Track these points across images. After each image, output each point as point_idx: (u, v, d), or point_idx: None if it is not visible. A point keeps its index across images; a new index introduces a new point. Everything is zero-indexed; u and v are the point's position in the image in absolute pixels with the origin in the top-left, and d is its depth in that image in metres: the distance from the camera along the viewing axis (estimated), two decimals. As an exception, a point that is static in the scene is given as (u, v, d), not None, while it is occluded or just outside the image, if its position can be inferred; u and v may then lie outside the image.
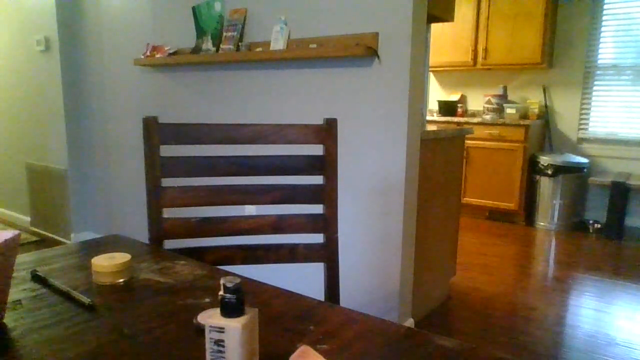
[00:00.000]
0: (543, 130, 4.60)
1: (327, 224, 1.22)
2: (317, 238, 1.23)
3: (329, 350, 0.64)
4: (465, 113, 5.03)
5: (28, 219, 3.90)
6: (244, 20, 2.41)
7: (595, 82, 4.40)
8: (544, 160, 4.17)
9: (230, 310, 0.55)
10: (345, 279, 2.21)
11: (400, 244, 2.02)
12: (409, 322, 2.20)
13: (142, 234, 3.13)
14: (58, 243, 3.55)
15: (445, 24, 4.64)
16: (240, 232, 1.21)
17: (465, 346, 0.65)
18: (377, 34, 1.97)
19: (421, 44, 1.97)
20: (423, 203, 2.25)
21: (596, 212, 4.42)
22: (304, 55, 2.09)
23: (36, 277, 0.87)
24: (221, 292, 0.55)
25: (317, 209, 1.22)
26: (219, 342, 0.55)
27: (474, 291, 2.77)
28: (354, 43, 2.02)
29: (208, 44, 2.51)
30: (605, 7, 4.28)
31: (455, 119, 4.65)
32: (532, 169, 4.28)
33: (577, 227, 4.26)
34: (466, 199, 4.49)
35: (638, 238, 3.96)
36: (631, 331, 2.30)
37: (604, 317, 2.46)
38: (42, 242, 3.56)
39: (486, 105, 4.64)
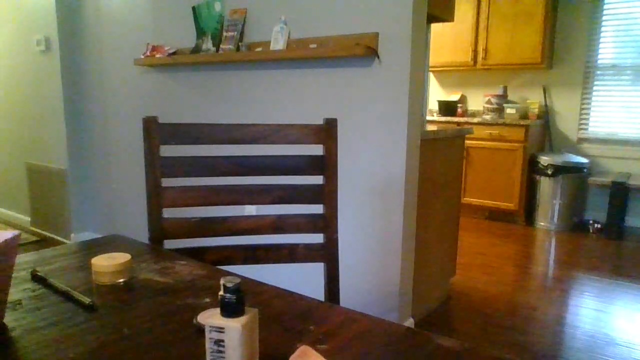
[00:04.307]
0: (543, 130, 4.60)
1: (327, 224, 1.22)
2: (317, 238, 1.23)
3: (329, 350, 0.64)
4: (465, 113, 5.03)
5: (28, 219, 3.90)
6: (244, 20, 2.41)
7: (595, 82, 4.40)
8: (544, 160, 4.17)
9: (230, 310, 0.55)
10: (345, 279, 2.21)
11: (400, 244, 2.02)
12: (409, 322, 2.20)
13: (142, 234, 3.13)
14: (58, 243, 3.55)
15: (445, 24, 4.64)
16: (240, 232, 1.21)
17: (465, 346, 0.65)
18: (377, 34, 1.97)
19: (421, 44, 1.97)
20: (423, 203, 2.25)
21: (596, 212, 4.42)
22: (304, 55, 2.09)
23: (36, 277, 0.87)
24: (221, 292, 0.55)
25: (317, 209, 1.22)
26: (219, 342, 0.55)
27: (474, 291, 2.77)
28: (354, 43, 2.02)
29: (208, 44, 2.51)
30: (605, 7, 4.28)
31: (455, 119, 4.65)
32: (532, 169, 4.28)
33: (577, 227, 4.26)
34: (466, 199, 4.49)
35: (638, 238, 3.96)
36: (631, 331, 2.30)
37: (604, 317, 2.46)
38: (42, 242, 3.56)
39: (486, 105, 4.64)
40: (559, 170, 4.11)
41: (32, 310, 0.74)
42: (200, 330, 0.68)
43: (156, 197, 1.15)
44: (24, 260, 0.98)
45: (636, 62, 4.19)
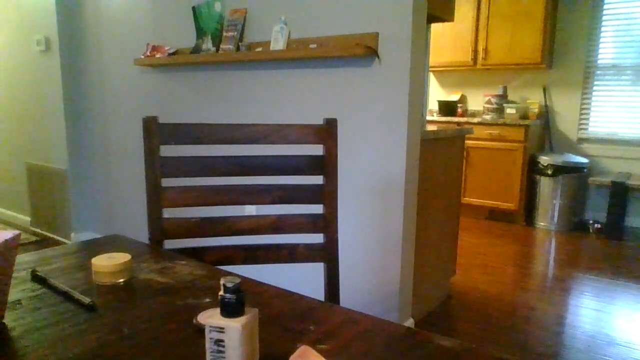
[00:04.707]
0: (543, 130, 4.60)
1: (327, 224, 1.22)
2: (317, 238, 1.23)
3: (329, 350, 0.64)
4: (465, 113, 5.03)
5: (28, 219, 3.90)
6: (244, 20, 2.41)
7: (595, 82, 4.40)
8: (544, 160, 4.17)
9: (230, 310, 0.55)
10: (345, 279, 2.21)
11: (400, 244, 2.02)
12: (409, 322, 2.20)
13: (142, 234, 3.13)
14: (58, 243, 3.54)
15: (445, 24, 4.63)
16: (240, 232, 1.21)
17: (465, 346, 0.65)
18: (377, 34, 1.97)
19: (421, 44, 1.97)
20: (423, 203, 2.25)
21: (596, 212, 4.42)
22: (304, 55, 2.09)
23: (36, 277, 0.87)
24: (221, 292, 0.55)
25: (317, 209, 1.22)
26: (219, 342, 0.55)
27: (474, 291, 2.77)
28: (354, 43, 2.02)
29: (208, 44, 2.51)
30: (605, 7, 4.28)
31: (455, 119, 4.65)
32: (532, 169, 4.28)
33: (577, 227, 4.26)
34: (466, 199, 4.49)
35: (638, 238, 3.96)
36: (631, 331, 2.30)
37: (604, 317, 2.46)
38: (42, 242, 3.56)
39: (486, 105, 4.64)
40: (559, 170, 4.11)
41: (32, 310, 0.74)
42: (200, 330, 0.68)
43: (156, 197, 1.15)
44: (24, 260, 0.98)
45: (636, 62, 4.19)
